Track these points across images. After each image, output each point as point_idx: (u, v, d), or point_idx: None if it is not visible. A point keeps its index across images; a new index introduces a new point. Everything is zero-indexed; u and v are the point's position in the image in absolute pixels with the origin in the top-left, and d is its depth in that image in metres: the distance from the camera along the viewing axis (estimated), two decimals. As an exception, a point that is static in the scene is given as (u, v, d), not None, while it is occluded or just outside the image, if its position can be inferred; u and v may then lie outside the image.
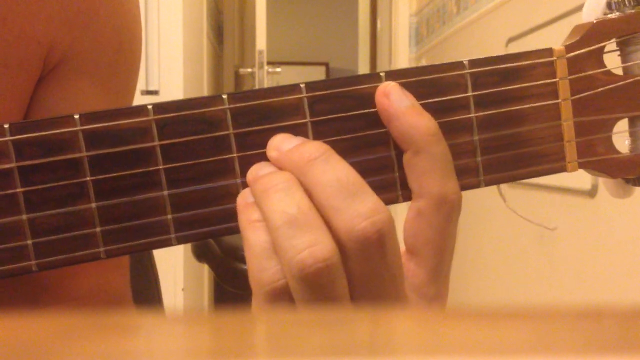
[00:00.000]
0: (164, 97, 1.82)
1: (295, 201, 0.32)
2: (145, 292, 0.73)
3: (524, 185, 1.57)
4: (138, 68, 0.50)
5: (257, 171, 0.34)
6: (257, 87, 2.95)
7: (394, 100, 0.34)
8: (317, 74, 6.08)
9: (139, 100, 0.52)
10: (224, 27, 3.58)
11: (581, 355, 0.13)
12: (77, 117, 0.33)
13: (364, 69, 4.24)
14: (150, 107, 0.34)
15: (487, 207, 1.82)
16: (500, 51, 1.74)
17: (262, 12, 3.01)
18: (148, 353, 0.15)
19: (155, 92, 1.81)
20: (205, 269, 2.22)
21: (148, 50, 1.77)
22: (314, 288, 0.31)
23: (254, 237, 0.32)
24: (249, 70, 3.23)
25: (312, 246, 0.31)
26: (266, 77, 3.03)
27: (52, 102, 0.44)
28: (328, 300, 0.31)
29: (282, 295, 0.32)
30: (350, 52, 5.29)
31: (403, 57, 2.78)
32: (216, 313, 0.30)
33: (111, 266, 0.49)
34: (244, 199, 0.34)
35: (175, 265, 1.76)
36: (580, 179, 1.30)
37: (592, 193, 1.31)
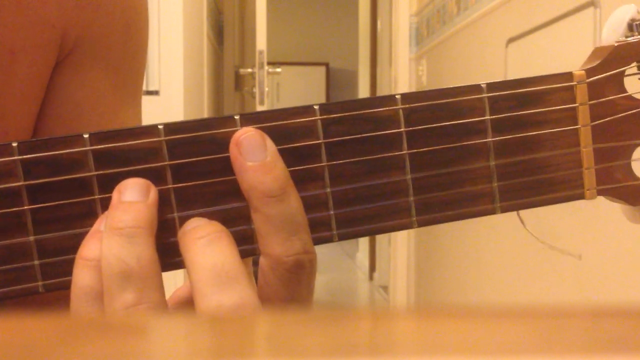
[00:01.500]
0: (164, 97, 1.82)
1: (136, 253, 0.31)
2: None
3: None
4: (146, 48, 0.50)
5: (123, 192, 0.32)
6: (257, 87, 2.95)
7: (242, 152, 0.33)
8: (317, 74, 6.08)
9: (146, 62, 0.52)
10: (224, 27, 3.57)
11: (582, 355, 0.13)
12: (86, 136, 0.33)
13: (364, 69, 4.24)
14: (161, 127, 0.33)
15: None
16: (500, 51, 1.74)
17: (262, 12, 3.01)
18: (148, 353, 0.15)
19: (156, 92, 1.81)
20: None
21: (148, 50, 1.77)
22: None
23: (80, 276, 0.31)
24: (249, 70, 3.23)
25: (140, 303, 0.30)
26: (266, 77, 3.03)
27: (68, 89, 0.44)
28: None
29: None
30: (350, 52, 5.29)
31: (403, 57, 2.78)
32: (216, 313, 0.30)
33: None
34: (96, 224, 0.32)
35: (175, 265, 1.75)
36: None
37: (592, 193, 1.31)
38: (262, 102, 2.95)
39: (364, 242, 4.29)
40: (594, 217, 1.31)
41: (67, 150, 0.32)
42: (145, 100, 0.55)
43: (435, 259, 2.51)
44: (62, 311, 0.40)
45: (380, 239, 3.70)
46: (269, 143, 0.33)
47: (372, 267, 3.99)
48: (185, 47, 1.87)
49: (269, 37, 3.16)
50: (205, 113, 2.51)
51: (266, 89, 2.99)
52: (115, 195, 0.32)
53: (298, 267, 0.33)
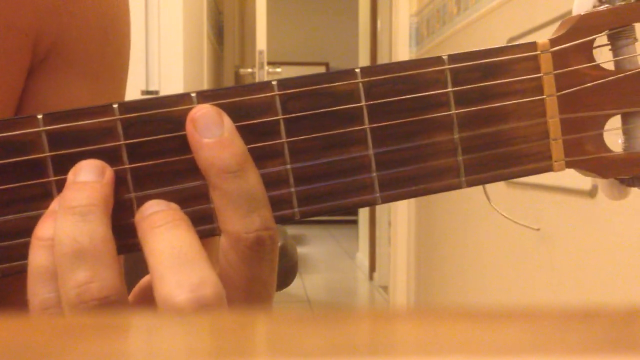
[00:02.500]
0: (164, 97, 1.82)
1: (89, 231, 0.30)
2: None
3: (524, 185, 1.57)
4: (128, 53, 0.49)
5: (77, 173, 0.32)
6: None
7: (198, 129, 0.32)
8: (317, 74, 6.06)
9: (128, 68, 0.51)
10: (224, 27, 3.58)
11: (580, 355, 0.13)
12: (40, 117, 0.32)
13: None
14: (115, 106, 0.32)
15: (487, 207, 1.82)
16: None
17: (262, 12, 3.01)
18: (148, 353, 0.15)
19: (155, 92, 1.81)
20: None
21: (148, 50, 1.77)
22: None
23: (31, 257, 0.31)
24: (249, 70, 3.23)
25: (92, 282, 0.30)
26: (266, 77, 3.03)
27: (43, 95, 0.44)
28: None
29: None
30: (350, 52, 5.29)
31: (403, 57, 2.77)
32: (216, 313, 0.30)
33: None
34: (52, 205, 0.32)
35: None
36: (580, 179, 1.30)
37: (592, 193, 1.31)
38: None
39: (364, 242, 4.29)
40: (597, 211, 1.32)
41: (20, 132, 0.32)
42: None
43: (435, 259, 2.51)
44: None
45: (380, 239, 3.70)
46: (226, 119, 0.33)
47: (372, 267, 3.99)
48: (185, 47, 1.87)
49: (269, 37, 3.16)
50: (205, 113, 2.50)
51: (266, 88, 2.98)
52: (70, 176, 0.32)
53: (258, 243, 0.32)
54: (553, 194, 1.49)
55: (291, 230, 5.65)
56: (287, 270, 1.02)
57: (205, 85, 2.50)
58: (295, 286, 3.81)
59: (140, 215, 0.32)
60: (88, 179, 0.32)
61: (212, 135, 0.32)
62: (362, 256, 4.39)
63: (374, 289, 3.86)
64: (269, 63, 3.12)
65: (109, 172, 0.32)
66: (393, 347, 0.15)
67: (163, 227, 0.31)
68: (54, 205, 0.32)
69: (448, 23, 2.32)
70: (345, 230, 6.16)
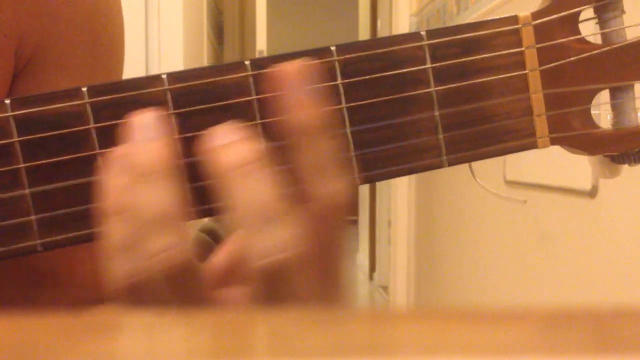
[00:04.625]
0: (164, 97, 1.82)
1: (168, 197, 0.29)
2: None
3: (523, 184, 1.57)
4: (121, 52, 0.48)
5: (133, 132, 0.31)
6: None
7: (294, 86, 0.31)
8: (317, 74, 6.06)
9: (123, 70, 0.50)
10: (224, 27, 3.57)
11: (581, 355, 0.13)
12: (7, 102, 0.31)
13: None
14: (84, 89, 0.32)
15: (487, 207, 1.82)
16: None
17: (262, 12, 3.01)
18: (148, 353, 0.15)
19: (155, 92, 1.81)
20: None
21: (148, 50, 1.77)
22: (171, 289, 0.29)
23: (108, 231, 0.30)
24: (249, 70, 3.22)
25: (174, 246, 0.29)
26: (266, 77, 3.02)
27: None
28: (187, 298, 0.30)
29: (131, 294, 0.30)
30: (350, 52, 5.28)
31: (403, 57, 2.77)
32: (216, 313, 0.30)
33: None
34: (112, 177, 0.31)
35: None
36: (580, 179, 1.30)
37: (592, 193, 1.31)
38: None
39: (364, 242, 4.29)
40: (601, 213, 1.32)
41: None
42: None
43: (435, 259, 2.51)
44: (62, 311, 0.40)
45: (380, 239, 3.70)
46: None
47: (372, 267, 3.98)
48: (185, 47, 1.87)
49: (269, 37, 3.16)
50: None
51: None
52: (127, 135, 0.31)
53: (341, 207, 0.31)
54: (553, 194, 1.49)
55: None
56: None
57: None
58: (295, 286, 3.80)
59: (223, 152, 0.30)
60: (150, 138, 0.30)
61: (309, 93, 0.31)
62: (362, 256, 4.38)
63: (374, 289, 3.86)
64: (269, 63, 3.11)
65: (164, 124, 0.31)
66: (393, 347, 0.15)
67: (247, 169, 0.30)
68: (116, 172, 0.31)
69: (448, 23, 2.32)
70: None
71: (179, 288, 0.30)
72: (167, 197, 0.30)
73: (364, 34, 4.14)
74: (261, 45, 3.02)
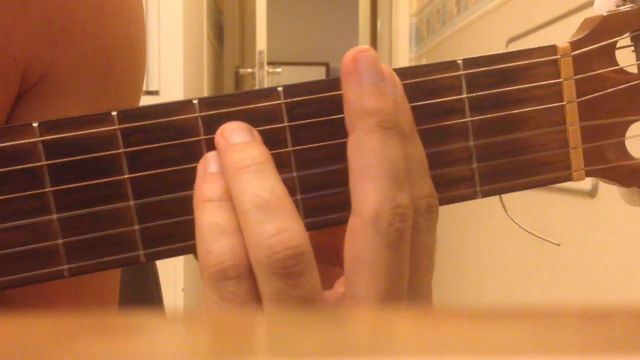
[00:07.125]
0: (164, 97, 1.82)
1: (269, 184, 0.30)
2: (145, 292, 0.73)
3: (524, 185, 1.57)
4: (139, 82, 0.47)
5: (229, 136, 0.32)
6: (257, 87, 2.95)
7: (397, 88, 0.32)
8: (317, 74, 6.08)
9: (139, 100, 0.50)
10: (224, 27, 3.58)
11: (581, 355, 0.13)
12: (35, 125, 0.31)
13: (364, 69, 4.23)
14: (114, 113, 0.31)
15: (487, 207, 1.82)
16: (500, 51, 1.74)
17: (262, 12, 3.01)
18: (148, 353, 0.15)
19: (155, 92, 1.81)
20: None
21: (148, 50, 1.77)
22: (280, 276, 0.29)
23: (202, 218, 0.31)
24: (249, 70, 3.23)
25: (281, 232, 0.30)
26: (266, 77, 3.03)
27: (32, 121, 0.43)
28: (294, 291, 0.30)
29: (225, 278, 0.30)
30: (350, 52, 5.28)
31: (403, 57, 2.78)
32: (216, 313, 0.30)
33: None
34: (205, 167, 0.32)
35: (175, 265, 1.76)
36: (580, 179, 1.30)
37: (592, 193, 1.31)
38: (262, 102, 2.94)
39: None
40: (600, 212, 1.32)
41: (15, 142, 0.31)
42: (145, 100, 0.54)
43: (436, 259, 2.50)
44: (61, 311, 0.40)
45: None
46: (398, 82, 0.32)
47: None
48: (185, 47, 1.87)
49: (269, 37, 3.16)
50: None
51: (266, 88, 2.99)
52: (220, 140, 0.32)
53: (429, 211, 0.31)
54: (553, 194, 1.49)
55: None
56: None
57: (205, 85, 2.50)
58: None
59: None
60: (246, 139, 0.32)
61: (391, 94, 0.31)
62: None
63: (374, 289, 3.85)
64: (269, 63, 3.12)
65: (254, 131, 0.32)
66: (393, 347, 0.15)
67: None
68: (203, 167, 0.32)
69: (448, 23, 2.32)
70: (345, 230, 6.14)
71: (291, 277, 0.30)
72: (270, 187, 0.31)
73: (364, 34, 4.14)
74: (261, 45, 3.02)
